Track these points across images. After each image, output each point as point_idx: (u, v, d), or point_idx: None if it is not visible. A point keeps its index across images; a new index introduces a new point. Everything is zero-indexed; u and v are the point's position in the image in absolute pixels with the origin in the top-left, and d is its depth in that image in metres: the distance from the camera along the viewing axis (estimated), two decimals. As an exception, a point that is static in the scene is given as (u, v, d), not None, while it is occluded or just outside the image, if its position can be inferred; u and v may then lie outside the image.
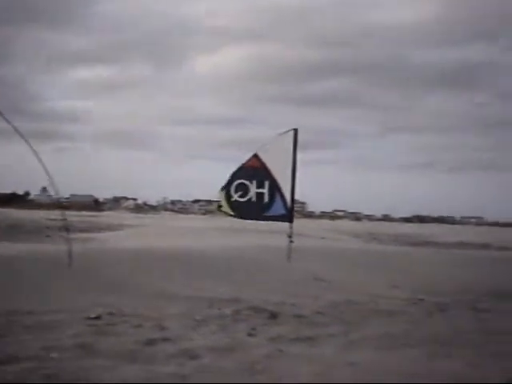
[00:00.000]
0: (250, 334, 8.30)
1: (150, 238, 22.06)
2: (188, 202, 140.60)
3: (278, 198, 13.96)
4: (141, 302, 10.01)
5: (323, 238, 26.52)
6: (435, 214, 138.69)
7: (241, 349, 7.48)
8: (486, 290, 13.41)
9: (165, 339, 7.74)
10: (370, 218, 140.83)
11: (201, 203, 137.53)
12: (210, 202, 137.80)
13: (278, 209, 13.91)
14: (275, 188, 13.98)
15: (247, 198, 14.02)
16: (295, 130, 14.03)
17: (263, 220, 14.95)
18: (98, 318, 8.82)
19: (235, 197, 14.08)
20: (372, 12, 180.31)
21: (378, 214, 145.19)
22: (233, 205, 14.06)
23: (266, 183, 13.99)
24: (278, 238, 24.69)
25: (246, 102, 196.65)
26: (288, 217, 14.00)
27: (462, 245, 30.08)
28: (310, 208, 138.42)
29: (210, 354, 7.17)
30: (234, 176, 14.18)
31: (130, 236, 24.36)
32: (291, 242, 13.80)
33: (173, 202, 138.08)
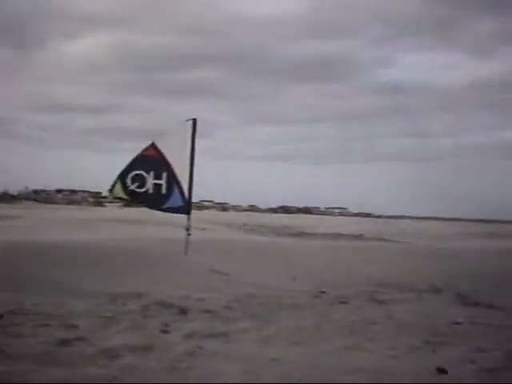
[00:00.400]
0: (163, 331, 8.09)
1: (32, 231, 21.15)
2: (51, 191, 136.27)
3: (175, 190, 13.67)
4: (42, 299, 9.49)
5: (204, 229, 26.37)
6: (300, 205, 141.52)
7: (159, 347, 7.26)
8: (379, 280, 13.70)
9: (79, 339, 7.39)
10: (236, 208, 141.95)
11: (64, 193, 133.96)
12: (73, 191, 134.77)
13: (175, 201, 13.62)
14: (173, 179, 13.68)
15: (144, 189, 13.64)
16: (194, 120, 13.77)
17: (161, 211, 14.62)
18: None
19: (132, 187, 13.66)
20: (240, 2, 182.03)
21: (245, 205, 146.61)
22: (129, 194, 13.64)
23: (164, 174, 13.66)
24: (166, 229, 24.53)
25: (111, 90, 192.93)
26: (185, 209, 13.75)
27: (338, 236, 30.79)
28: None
29: (130, 354, 6.93)
30: (130, 166, 13.74)
31: (8, 229, 23.23)
32: (189, 234, 13.55)
33: (35, 192, 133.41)
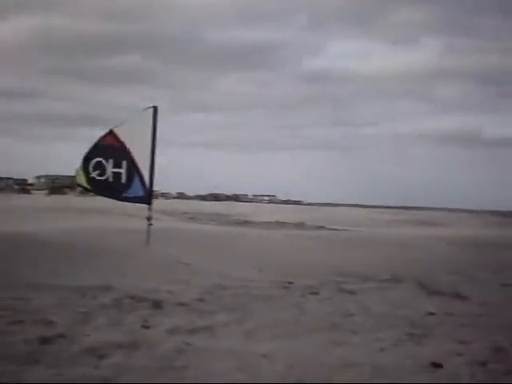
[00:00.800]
0: (144, 327, 7.83)
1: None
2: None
3: (136, 179, 13.27)
4: (4, 294, 9.02)
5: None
6: (228, 192, 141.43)
7: (145, 344, 7.02)
8: (339, 269, 13.68)
9: (59, 336, 7.04)
10: (165, 195, 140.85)
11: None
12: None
13: (136, 190, 13.22)
14: (133, 168, 13.27)
15: (105, 177, 13.19)
16: (155, 108, 13.37)
17: (121, 201, 14.20)
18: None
19: (93, 174, 13.21)
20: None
21: (173, 192, 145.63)
22: (90, 181, 13.20)
23: (124, 163, 13.24)
24: (121, 219, 24.00)
25: (34, 74, 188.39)
26: (146, 199, 13.36)
27: (281, 224, 30.70)
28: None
29: (116, 352, 6.67)
30: (91, 154, 13.27)
31: None
32: (150, 224, 13.19)
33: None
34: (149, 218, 13.20)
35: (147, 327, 7.77)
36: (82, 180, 13.27)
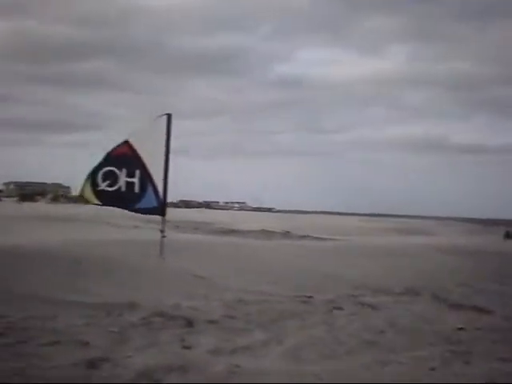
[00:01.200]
0: (185, 347, 7.53)
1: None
2: None
3: (149, 189, 12.90)
4: (29, 312, 8.67)
5: (136, 226, 25.55)
6: (199, 199, 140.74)
7: (193, 366, 6.77)
8: (350, 282, 13.49)
9: (102, 359, 6.74)
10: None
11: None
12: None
13: (149, 201, 12.86)
14: (147, 178, 12.90)
15: (116, 187, 12.80)
16: (169, 115, 13.03)
17: (133, 212, 13.82)
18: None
19: (102, 186, 12.80)
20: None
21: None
22: (99, 194, 12.78)
23: (137, 172, 12.87)
24: (112, 229, 23.59)
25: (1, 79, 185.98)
26: (160, 210, 13.00)
27: (267, 233, 30.41)
28: (74, 192, 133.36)
29: (169, 376, 6.40)
30: (101, 164, 12.87)
31: None
32: (163, 236, 12.83)
33: None
34: (162, 230, 12.85)
35: (187, 347, 7.51)
36: (88, 194, 12.85)
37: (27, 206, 55.52)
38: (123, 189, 12.80)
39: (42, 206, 62.77)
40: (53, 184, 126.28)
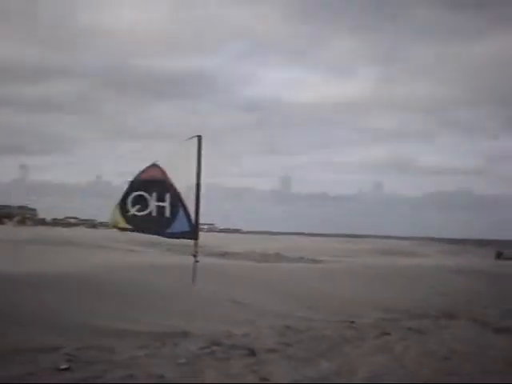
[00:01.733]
0: (262, 379, 7.14)
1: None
2: None
3: (181, 213, 12.48)
4: (83, 342, 8.23)
5: (132, 250, 24.97)
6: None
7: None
8: (380, 305, 13.23)
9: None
10: (104, 224, 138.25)
11: None
12: None
13: (181, 225, 12.43)
14: (178, 201, 12.49)
15: (147, 211, 12.35)
16: (199, 137, 12.65)
17: (165, 237, 13.37)
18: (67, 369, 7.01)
19: (132, 211, 12.34)
20: (97, 16, 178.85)
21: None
22: (129, 219, 12.32)
23: (168, 196, 12.45)
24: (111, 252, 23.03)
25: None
26: (192, 234, 12.57)
27: (259, 255, 30.00)
28: (41, 215, 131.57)
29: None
30: (131, 188, 12.43)
31: None
32: (196, 261, 12.41)
33: None
34: (195, 255, 12.43)
35: (265, 379, 7.14)
36: (118, 219, 12.40)
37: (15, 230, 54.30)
38: (154, 213, 12.39)
39: (12, 229, 61.76)
40: (18, 207, 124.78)
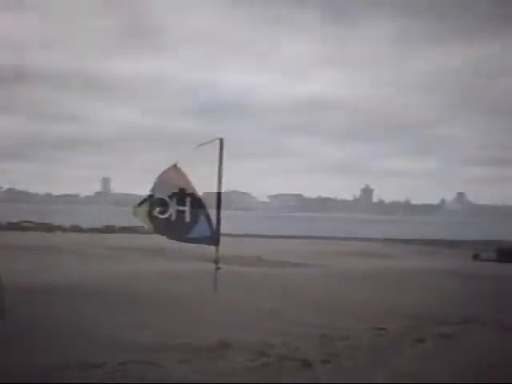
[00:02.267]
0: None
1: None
2: None
3: (202, 218, 12.05)
4: (121, 357, 7.84)
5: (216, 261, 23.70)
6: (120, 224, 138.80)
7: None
8: (399, 311, 12.99)
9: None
10: (59, 228, 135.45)
11: None
12: None
13: (201, 230, 12.01)
14: (198, 206, 12.05)
15: (167, 215, 11.92)
16: (221, 140, 12.23)
17: (185, 242, 12.93)
18: None
19: (155, 212, 11.94)
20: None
21: (67, 225, 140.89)
22: (153, 220, 11.96)
23: (188, 200, 12.01)
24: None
25: None
26: (213, 239, 12.15)
27: (239, 258, 29.32)
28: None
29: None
30: (153, 190, 12.00)
31: None
32: (218, 268, 11.99)
33: None
34: (216, 261, 12.02)
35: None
36: (143, 217, 12.06)
37: None
38: (173, 218, 11.97)
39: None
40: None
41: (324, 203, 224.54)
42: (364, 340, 9.78)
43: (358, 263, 29.73)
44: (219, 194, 12.16)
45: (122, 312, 10.05)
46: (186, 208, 12.03)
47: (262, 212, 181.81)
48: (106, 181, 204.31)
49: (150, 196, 12.13)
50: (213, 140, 12.30)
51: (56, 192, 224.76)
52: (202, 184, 12.21)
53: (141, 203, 12.20)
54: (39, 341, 8.28)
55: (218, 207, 12.16)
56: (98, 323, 9.29)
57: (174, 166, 12.17)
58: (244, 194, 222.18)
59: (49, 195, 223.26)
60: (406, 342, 9.87)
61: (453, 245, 54.60)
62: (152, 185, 12.12)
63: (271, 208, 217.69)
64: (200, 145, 12.27)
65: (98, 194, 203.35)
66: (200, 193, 12.19)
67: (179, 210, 12.03)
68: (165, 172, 12.21)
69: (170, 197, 12.00)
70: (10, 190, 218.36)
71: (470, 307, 14.23)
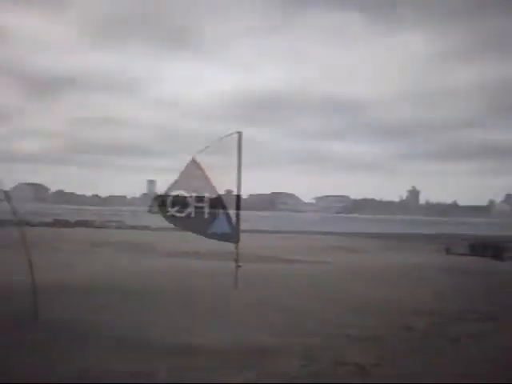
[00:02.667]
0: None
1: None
2: None
3: (221, 214, 11.63)
4: (161, 363, 7.44)
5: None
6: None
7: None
8: (408, 309, 12.70)
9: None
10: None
11: None
12: None
13: (221, 227, 11.61)
14: (217, 202, 11.63)
15: (186, 213, 11.49)
16: (239, 134, 11.80)
17: (206, 237, 12.49)
18: None
19: (172, 212, 11.49)
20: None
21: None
22: (169, 219, 11.52)
23: (206, 196, 11.58)
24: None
25: None
26: (234, 236, 11.73)
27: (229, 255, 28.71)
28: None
29: None
30: (171, 187, 11.54)
31: None
32: (239, 266, 11.59)
33: None
34: (236, 259, 11.62)
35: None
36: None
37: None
38: (193, 215, 11.56)
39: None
40: None
41: (369, 204, 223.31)
42: (396, 340, 9.61)
43: (349, 259, 29.46)
44: (239, 189, 11.78)
45: (156, 313, 9.69)
46: (205, 205, 11.64)
47: (311, 214, 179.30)
48: (151, 182, 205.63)
49: (163, 196, 11.71)
50: (231, 134, 11.90)
51: (103, 194, 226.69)
52: (223, 180, 11.81)
53: (159, 202, 11.75)
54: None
55: (238, 203, 11.79)
56: (139, 325, 8.89)
57: (193, 161, 11.74)
58: (289, 195, 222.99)
59: (96, 196, 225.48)
60: (437, 342, 9.70)
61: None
62: (171, 184, 11.68)
63: (319, 209, 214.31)
64: (219, 138, 11.86)
65: (144, 195, 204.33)
66: (221, 191, 11.81)
67: (198, 207, 11.64)
68: (185, 168, 11.77)
69: (189, 193, 11.59)
70: (58, 191, 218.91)
71: (482, 304, 13.99)
